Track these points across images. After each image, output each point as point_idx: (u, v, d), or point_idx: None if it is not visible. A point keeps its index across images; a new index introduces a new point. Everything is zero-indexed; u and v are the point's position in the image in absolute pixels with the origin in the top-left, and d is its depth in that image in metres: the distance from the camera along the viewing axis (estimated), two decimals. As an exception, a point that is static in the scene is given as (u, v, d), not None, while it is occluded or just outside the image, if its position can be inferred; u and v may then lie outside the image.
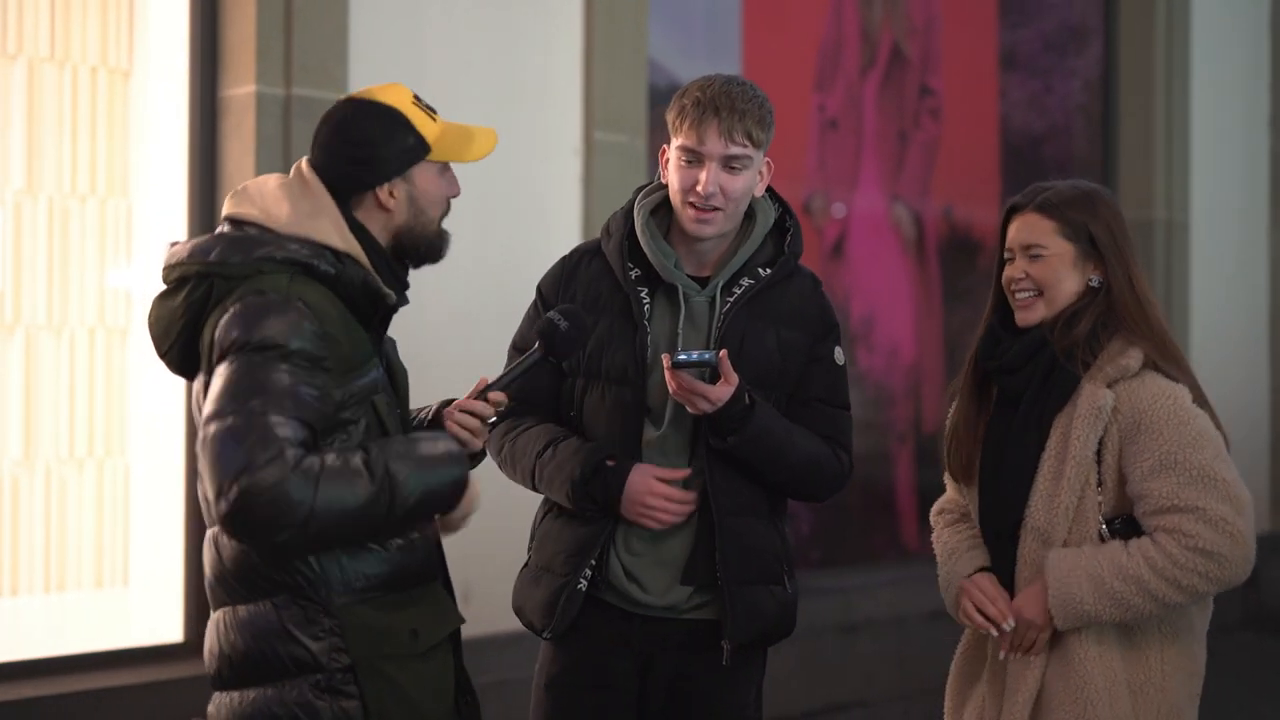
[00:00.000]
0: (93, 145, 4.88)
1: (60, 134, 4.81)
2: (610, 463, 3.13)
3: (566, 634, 3.20)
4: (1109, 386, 2.97)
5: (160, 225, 4.94)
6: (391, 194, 2.71)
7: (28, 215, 4.76)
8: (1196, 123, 8.15)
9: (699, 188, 3.11)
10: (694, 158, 3.13)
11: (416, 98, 2.78)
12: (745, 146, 3.11)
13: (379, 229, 2.73)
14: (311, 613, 2.60)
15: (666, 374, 3.05)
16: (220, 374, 2.54)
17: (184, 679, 4.66)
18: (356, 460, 2.53)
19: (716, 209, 3.13)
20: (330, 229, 2.66)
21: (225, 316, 2.58)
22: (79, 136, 4.85)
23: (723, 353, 3.06)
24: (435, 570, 2.78)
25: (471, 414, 2.80)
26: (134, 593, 4.94)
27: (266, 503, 2.43)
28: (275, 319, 2.54)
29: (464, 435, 2.79)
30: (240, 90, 4.85)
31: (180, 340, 2.67)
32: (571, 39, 5.65)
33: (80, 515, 4.84)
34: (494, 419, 2.84)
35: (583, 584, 3.18)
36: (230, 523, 2.47)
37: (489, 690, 5.27)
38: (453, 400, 2.89)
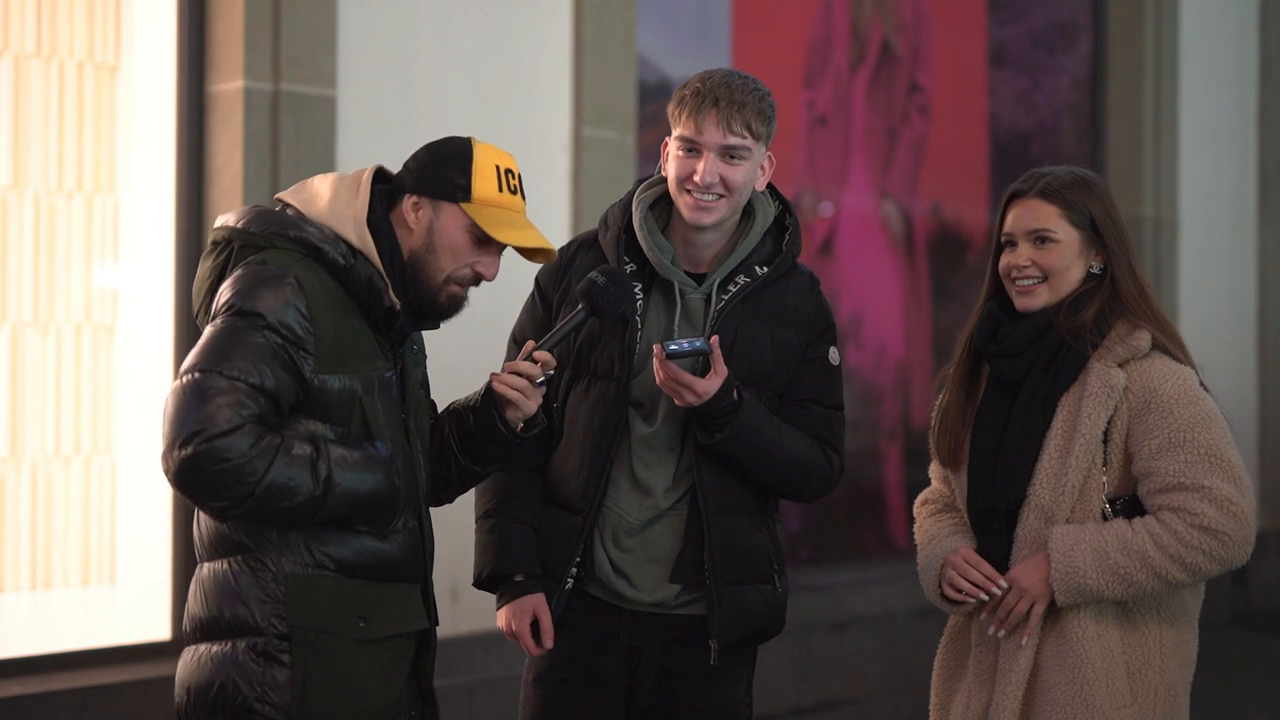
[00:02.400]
0: (79, 141, 4.86)
1: (46, 130, 4.79)
2: (519, 578, 3.18)
3: (555, 629, 3.19)
4: (1120, 366, 2.98)
5: (147, 222, 4.92)
6: (416, 210, 2.78)
7: (14, 212, 4.74)
8: (1185, 121, 8.16)
9: (696, 177, 3.11)
10: (692, 147, 3.13)
11: (509, 171, 2.80)
12: (744, 138, 3.11)
13: (400, 242, 2.80)
14: (262, 576, 2.66)
15: (655, 363, 3.05)
16: (205, 332, 2.65)
17: (171, 677, 4.63)
18: (307, 454, 2.60)
19: (720, 197, 3.13)
20: (349, 223, 2.74)
21: (227, 280, 2.68)
22: (65, 132, 4.83)
23: (714, 339, 3.06)
24: (412, 574, 2.80)
25: (519, 374, 2.84)
26: (121, 590, 4.92)
27: (218, 470, 2.53)
28: (267, 291, 2.63)
29: (514, 395, 2.83)
30: (228, 85, 4.84)
31: (205, 301, 2.76)
32: (561, 35, 5.64)
33: (67, 513, 4.82)
34: (542, 380, 2.86)
35: (569, 582, 3.18)
36: (177, 477, 2.56)
37: (479, 687, 5.28)
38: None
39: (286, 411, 2.63)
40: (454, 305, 2.81)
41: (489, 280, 2.83)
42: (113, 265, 4.93)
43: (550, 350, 2.89)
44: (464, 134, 2.91)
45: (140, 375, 4.90)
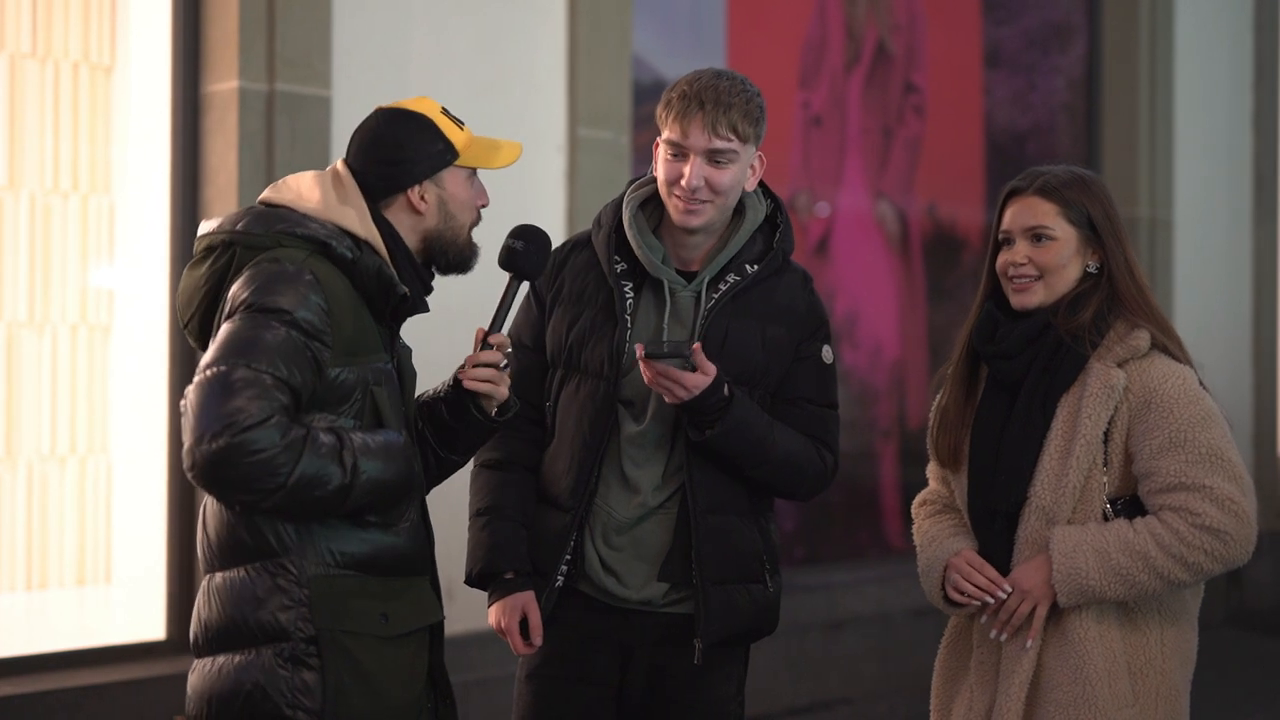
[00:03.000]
0: (75, 141, 4.86)
1: (42, 130, 4.80)
2: (509, 575, 3.19)
3: (546, 626, 3.21)
4: (1119, 366, 2.97)
5: (143, 222, 4.92)
6: (423, 197, 2.80)
7: (9, 211, 4.74)
8: (1180, 121, 8.17)
9: (683, 181, 3.11)
10: (679, 151, 3.13)
11: (445, 109, 2.86)
12: (730, 140, 3.11)
13: (407, 230, 2.81)
14: (284, 581, 2.63)
15: (640, 364, 3.05)
16: (225, 328, 2.61)
17: (166, 676, 4.65)
18: (332, 444, 2.58)
19: (704, 201, 3.13)
20: (353, 217, 2.74)
21: (239, 281, 2.65)
22: (61, 132, 4.83)
23: (696, 345, 3.06)
24: (422, 566, 2.81)
25: (483, 364, 2.86)
26: (116, 590, 4.92)
27: (250, 463, 2.49)
28: (286, 287, 2.61)
29: (485, 388, 2.85)
30: (223, 86, 4.84)
31: (200, 310, 2.73)
32: (556, 35, 5.64)
33: (62, 512, 4.82)
34: (505, 362, 2.88)
35: (559, 580, 3.19)
36: (205, 471, 2.50)
37: (473, 687, 5.28)
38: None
39: (303, 409, 2.61)
40: (476, 252, 2.89)
41: (486, 206, 2.90)
42: (108, 265, 4.93)
43: (500, 330, 2.90)
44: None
45: (135, 375, 4.90)
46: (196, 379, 2.55)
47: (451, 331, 4.92)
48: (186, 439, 2.52)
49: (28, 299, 4.77)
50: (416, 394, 2.96)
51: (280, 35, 4.84)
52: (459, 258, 2.86)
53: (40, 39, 4.80)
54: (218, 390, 2.51)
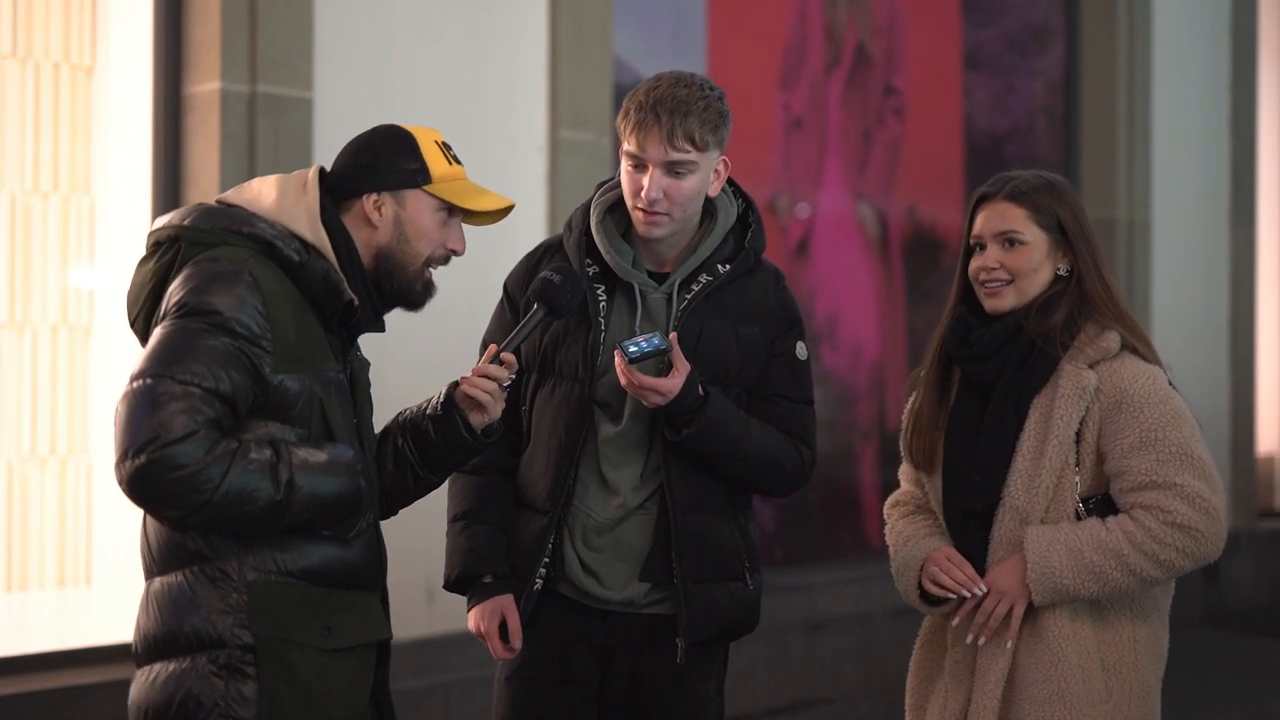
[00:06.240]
0: (55, 142, 4.85)
1: (22, 131, 4.79)
2: (488, 579, 3.20)
3: (526, 628, 3.21)
4: (1090, 367, 3.01)
5: (124, 223, 4.91)
6: (379, 209, 2.73)
7: (-11, 212, 4.74)
8: (1158, 123, 8.21)
9: (642, 193, 3.11)
10: (638, 163, 3.13)
11: (446, 144, 2.80)
12: (688, 151, 3.09)
13: (362, 242, 2.74)
14: (222, 587, 2.57)
15: (618, 369, 3.05)
16: (156, 334, 2.55)
17: (147, 678, 4.64)
18: (266, 459, 2.52)
19: (663, 213, 3.13)
20: (303, 219, 2.68)
21: (178, 279, 2.59)
22: (41, 133, 4.82)
23: (672, 336, 3.07)
24: (371, 581, 2.73)
25: (486, 378, 2.80)
26: (96, 591, 4.91)
27: (173, 479, 2.44)
28: (221, 288, 2.55)
29: (483, 398, 2.79)
30: (205, 87, 4.84)
31: (146, 306, 2.67)
32: (537, 37, 5.65)
33: (43, 514, 4.82)
34: (508, 383, 2.84)
35: (538, 583, 3.20)
36: (131, 487, 2.47)
37: (453, 688, 5.28)
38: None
39: (243, 415, 2.55)
40: (429, 290, 2.80)
41: (460, 254, 2.82)
42: (89, 266, 4.92)
43: (513, 351, 2.86)
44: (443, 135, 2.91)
45: (116, 376, 4.89)
46: (124, 390, 2.51)
47: (434, 330, 4.93)
48: (115, 454, 2.48)
49: (8, 300, 4.77)
50: (402, 409, 2.92)
51: (262, 36, 4.84)
52: (405, 286, 2.75)
53: (20, 40, 4.79)
54: (143, 404, 2.46)
